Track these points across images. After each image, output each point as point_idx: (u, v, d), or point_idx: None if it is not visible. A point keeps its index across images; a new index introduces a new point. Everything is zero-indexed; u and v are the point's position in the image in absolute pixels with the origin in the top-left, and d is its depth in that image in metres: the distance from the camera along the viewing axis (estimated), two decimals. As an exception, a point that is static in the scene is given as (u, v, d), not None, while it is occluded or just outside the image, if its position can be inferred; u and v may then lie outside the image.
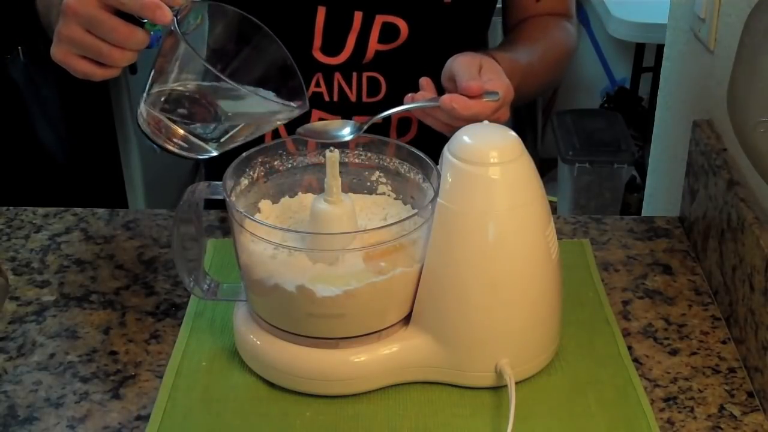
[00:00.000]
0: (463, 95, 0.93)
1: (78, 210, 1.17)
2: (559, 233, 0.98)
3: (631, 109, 3.00)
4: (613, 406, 0.87)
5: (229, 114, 0.88)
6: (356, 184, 0.95)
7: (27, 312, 0.99)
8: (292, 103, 0.88)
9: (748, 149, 0.90)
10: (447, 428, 0.85)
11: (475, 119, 0.90)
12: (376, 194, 0.95)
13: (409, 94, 0.98)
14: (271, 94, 0.88)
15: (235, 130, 0.87)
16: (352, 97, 1.15)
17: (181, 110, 0.87)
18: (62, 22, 0.86)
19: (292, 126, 0.92)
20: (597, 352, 0.93)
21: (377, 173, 0.95)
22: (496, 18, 1.25)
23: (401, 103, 0.98)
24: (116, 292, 1.02)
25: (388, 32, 1.12)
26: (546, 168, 2.93)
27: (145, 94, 0.87)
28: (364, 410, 0.86)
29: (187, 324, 0.97)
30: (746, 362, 0.92)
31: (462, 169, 0.83)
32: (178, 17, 0.83)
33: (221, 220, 1.16)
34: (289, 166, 0.94)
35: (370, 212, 0.93)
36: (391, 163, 0.94)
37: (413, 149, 0.92)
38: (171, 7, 0.82)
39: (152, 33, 0.86)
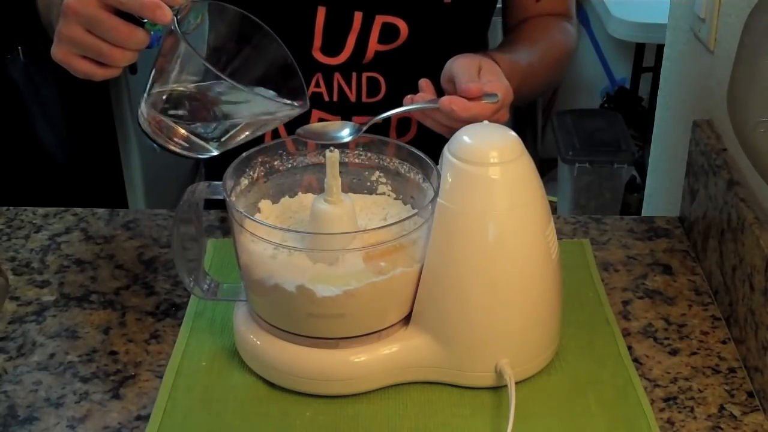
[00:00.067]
0: (463, 97, 0.93)
1: (78, 210, 1.17)
2: (559, 233, 0.98)
3: (631, 109, 3.00)
4: (613, 406, 0.87)
5: (230, 113, 0.88)
6: (356, 184, 0.95)
7: (27, 312, 0.99)
8: (293, 102, 0.88)
9: (748, 149, 0.90)
10: (447, 428, 0.85)
11: (474, 121, 0.90)
12: (376, 194, 0.95)
13: (408, 96, 0.98)
14: (271, 94, 0.88)
15: (235, 130, 0.87)
16: (352, 98, 1.15)
17: (181, 110, 0.87)
18: (63, 22, 0.86)
19: (291, 126, 0.92)
20: (597, 352, 0.93)
21: (377, 173, 0.95)
22: (496, 18, 1.24)
23: (401, 104, 0.98)
24: (116, 292, 1.02)
25: (388, 32, 1.12)
26: (546, 168, 2.93)
27: (145, 94, 0.87)
28: (364, 410, 0.86)
29: (187, 324, 0.97)
30: (746, 362, 0.92)
31: (462, 169, 0.83)
32: (179, 17, 0.83)
33: (221, 220, 1.16)
34: (289, 166, 0.94)
35: (370, 212, 0.93)
36: (391, 163, 0.94)
37: (413, 149, 0.92)
38: (171, 7, 0.82)
39: (152, 33, 0.86)
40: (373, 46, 1.13)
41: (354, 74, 1.14)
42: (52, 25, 0.94)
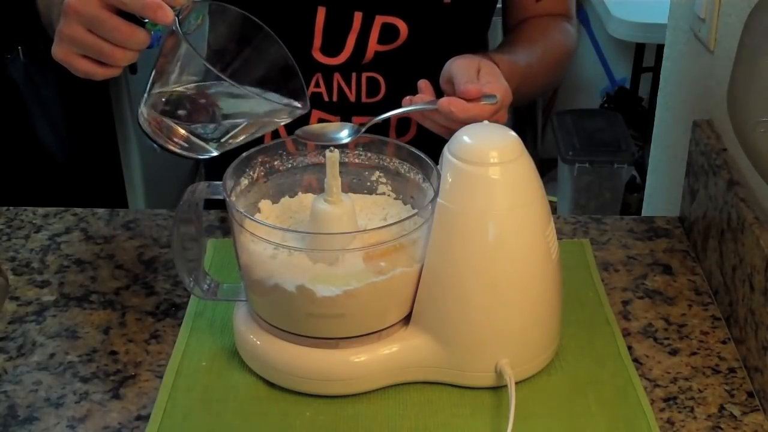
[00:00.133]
0: (461, 98, 0.93)
1: (78, 210, 1.17)
2: (559, 233, 0.98)
3: (631, 109, 3.00)
4: (613, 406, 0.87)
5: (230, 114, 0.88)
6: (356, 184, 0.95)
7: (27, 312, 0.99)
8: (293, 102, 0.88)
9: (748, 149, 0.90)
10: (447, 428, 0.85)
11: (473, 122, 0.90)
12: (376, 194, 0.95)
13: (407, 97, 0.98)
14: (271, 95, 0.88)
15: (236, 131, 0.87)
16: (352, 98, 1.15)
17: (182, 110, 0.87)
18: (64, 22, 0.86)
19: (291, 126, 0.92)
20: (597, 352, 0.93)
21: (377, 173, 0.95)
22: (496, 18, 1.24)
23: (400, 104, 0.98)
24: (116, 292, 1.02)
25: (388, 33, 1.12)
26: (546, 168, 2.93)
27: (146, 94, 0.87)
28: (364, 410, 0.86)
29: (187, 324, 0.97)
30: (746, 362, 0.92)
31: (462, 169, 0.83)
32: (180, 17, 0.83)
33: (221, 220, 1.16)
34: (289, 166, 0.94)
35: (370, 212, 0.93)
36: (391, 163, 0.94)
37: (413, 149, 0.92)
38: (172, 7, 0.82)
39: (153, 33, 0.86)
40: (373, 46, 1.13)
41: (354, 74, 1.14)
42: (53, 24, 0.94)
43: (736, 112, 0.90)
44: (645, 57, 2.93)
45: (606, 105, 3.11)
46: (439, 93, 0.99)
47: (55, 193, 2.14)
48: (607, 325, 0.97)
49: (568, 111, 2.93)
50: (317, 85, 1.14)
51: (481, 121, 0.90)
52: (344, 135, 0.93)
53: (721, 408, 0.87)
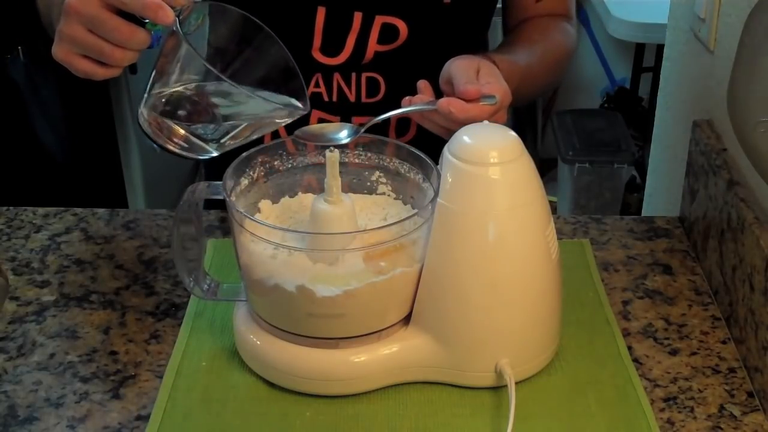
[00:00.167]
0: (461, 99, 0.93)
1: (78, 210, 1.17)
2: (559, 233, 0.98)
3: (631, 109, 3.00)
4: (613, 406, 0.87)
5: (230, 115, 0.88)
6: (356, 184, 0.95)
7: (27, 312, 0.99)
8: (293, 103, 0.88)
9: (748, 149, 0.90)
10: (447, 428, 0.85)
11: (472, 123, 0.90)
12: (376, 194, 0.95)
13: (407, 98, 0.98)
14: (272, 95, 0.88)
15: (235, 131, 0.87)
16: (351, 98, 1.15)
17: (182, 111, 0.87)
18: (64, 21, 0.86)
19: (291, 126, 0.92)
20: (597, 352, 0.93)
21: (377, 173, 0.95)
22: (496, 18, 1.24)
23: (400, 104, 0.98)
24: (116, 292, 1.02)
25: (388, 33, 1.12)
26: (546, 168, 2.93)
27: (146, 94, 0.87)
28: (364, 410, 0.86)
29: (187, 324, 0.97)
30: (746, 362, 0.92)
31: (462, 169, 0.83)
32: (180, 17, 0.83)
33: (221, 220, 1.16)
34: (289, 166, 0.94)
35: (370, 212, 0.93)
36: (391, 163, 0.94)
37: (413, 149, 0.92)
38: (173, 8, 0.82)
39: (153, 32, 0.86)
40: (373, 46, 1.13)
41: (353, 74, 1.14)
42: (53, 24, 0.94)
43: (736, 112, 0.90)
44: (645, 57, 2.93)
45: (606, 105, 3.12)
46: (438, 93, 0.99)
47: (55, 193, 2.14)
48: (607, 325, 0.97)
49: (568, 111, 2.93)
50: (317, 85, 1.14)
51: (480, 121, 0.90)
52: (343, 135, 0.93)
53: (721, 408, 0.87)
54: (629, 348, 0.95)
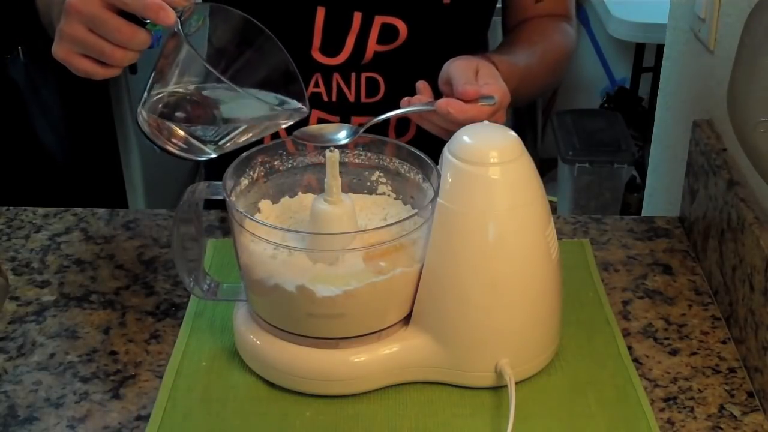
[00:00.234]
0: (459, 99, 0.93)
1: (78, 210, 1.17)
2: (559, 233, 0.98)
3: (631, 109, 3.00)
4: (613, 406, 0.87)
5: (230, 117, 0.87)
6: (356, 184, 0.95)
7: (27, 312, 0.99)
8: (293, 104, 0.88)
9: (748, 149, 0.90)
10: (447, 428, 0.85)
11: (471, 123, 0.90)
12: (376, 194, 0.95)
13: (405, 98, 0.98)
14: (272, 97, 0.88)
15: (235, 133, 0.87)
16: (351, 98, 1.15)
17: (181, 112, 0.87)
18: (65, 21, 0.86)
19: (291, 126, 0.92)
20: (597, 352, 0.93)
21: (377, 173, 0.95)
22: (496, 18, 1.24)
23: (399, 104, 0.98)
24: (116, 292, 1.02)
25: (388, 33, 1.12)
26: (546, 168, 2.93)
27: (145, 94, 0.87)
28: (364, 410, 0.86)
29: (187, 324, 0.97)
30: (746, 362, 0.92)
31: (462, 169, 0.83)
32: (182, 19, 0.82)
33: (221, 220, 1.16)
34: (289, 166, 0.94)
35: (370, 212, 0.93)
36: (391, 163, 0.94)
37: (413, 149, 0.92)
38: (174, 9, 0.82)
39: (153, 32, 0.86)
40: (372, 46, 1.13)
41: (353, 74, 1.14)
42: (52, 23, 0.94)
43: (736, 112, 0.90)
44: (645, 57, 2.93)
45: (606, 105, 3.12)
46: (437, 94, 0.99)
47: (55, 193, 2.14)
48: (607, 325, 0.97)
49: (568, 111, 2.93)
50: (316, 85, 1.14)
51: (478, 122, 0.90)
52: (342, 136, 0.93)
53: (721, 408, 0.87)
54: (629, 348, 0.95)
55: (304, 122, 0.97)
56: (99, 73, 0.88)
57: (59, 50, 0.87)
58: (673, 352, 0.94)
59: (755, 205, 0.95)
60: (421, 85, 1.00)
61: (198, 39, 0.87)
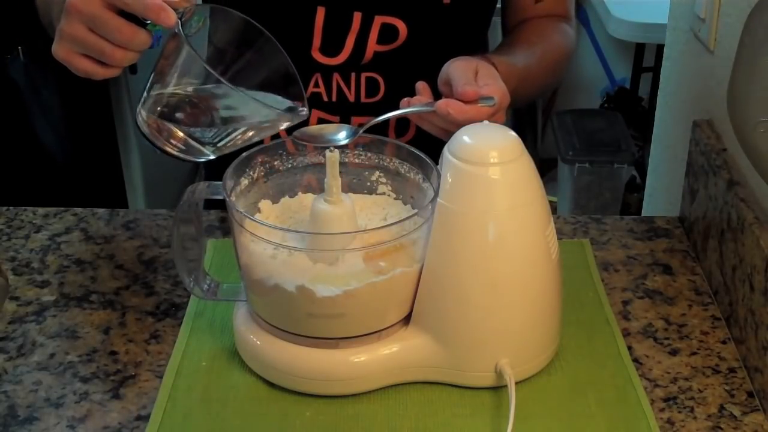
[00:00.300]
0: (459, 100, 0.93)
1: (78, 210, 1.17)
2: (559, 233, 0.98)
3: (631, 109, 3.00)
4: (613, 406, 0.87)
5: (229, 118, 0.87)
6: (356, 184, 0.95)
7: (27, 312, 0.99)
8: (292, 106, 0.88)
9: (748, 149, 0.90)
10: (447, 428, 0.85)
11: (471, 124, 0.90)
12: (376, 194, 0.95)
13: (405, 99, 0.98)
14: (271, 99, 0.88)
15: (234, 135, 0.87)
16: (351, 98, 1.15)
17: (180, 113, 0.87)
18: (65, 20, 0.86)
19: (290, 127, 0.92)
20: (597, 352, 0.93)
21: (377, 173, 0.95)
22: (496, 18, 1.24)
23: (399, 105, 0.98)
24: (116, 292, 1.03)
25: (387, 33, 1.12)
26: (546, 168, 2.93)
27: (145, 94, 0.87)
28: (364, 410, 0.86)
29: (187, 324, 0.97)
30: (746, 362, 0.92)
31: (462, 169, 0.83)
32: (182, 19, 0.82)
33: (221, 220, 1.16)
34: (289, 166, 0.94)
35: (370, 212, 0.93)
36: (391, 163, 0.94)
37: (413, 149, 0.92)
38: (175, 10, 0.82)
39: (153, 32, 0.86)
40: (372, 46, 1.13)
41: (353, 74, 1.14)
42: (52, 23, 0.94)
43: (736, 112, 0.90)
44: (645, 57, 2.94)
45: (606, 105, 3.12)
46: (437, 95, 0.99)
47: (55, 193, 2.14)
48: (607, 325, 0.97)
49: (568, 111, 2.93)
50: (316, 85, 1.14)
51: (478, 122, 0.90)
52: (342, 137, 0.93)
53: (721, 408, 0.87)
54: (629, 348, 0.95)
55: (304, 122, 0.97)
56: (99, 73, 0.88)
57: (59, 50, 0.87)
58: (673, 352, 0.94)
59: (755, 205, 0.95)
60: (421, 85, 1.00)
61: (198, 40, 0.87)
